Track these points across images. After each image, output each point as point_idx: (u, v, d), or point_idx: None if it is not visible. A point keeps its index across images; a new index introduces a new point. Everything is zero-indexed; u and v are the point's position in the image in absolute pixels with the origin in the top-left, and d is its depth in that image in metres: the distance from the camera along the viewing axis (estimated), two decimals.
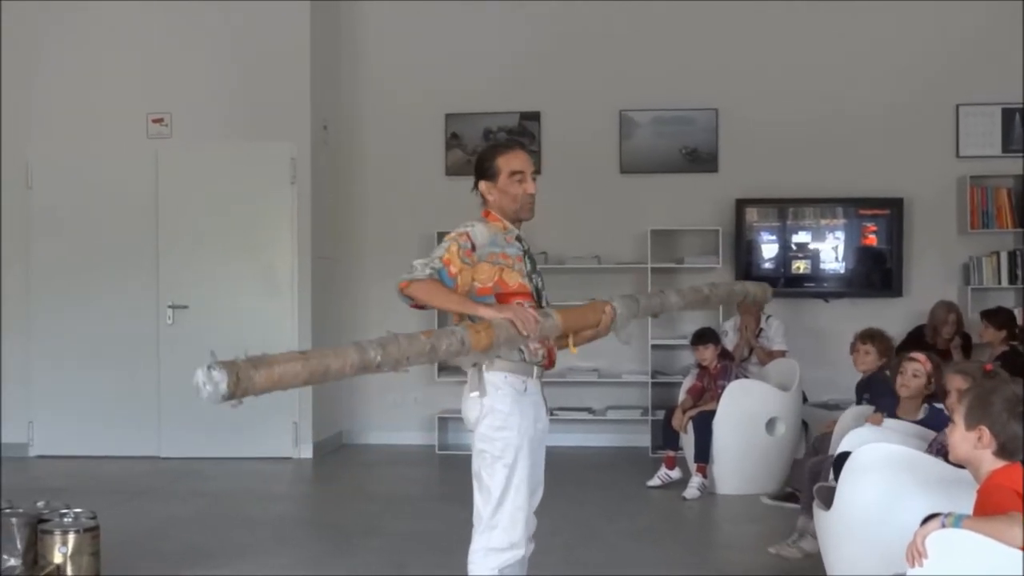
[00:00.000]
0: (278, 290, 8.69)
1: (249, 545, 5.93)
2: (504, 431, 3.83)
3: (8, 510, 4.76)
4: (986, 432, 3.10)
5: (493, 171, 4.00)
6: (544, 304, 3.95)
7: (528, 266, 3.96)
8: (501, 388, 3.84)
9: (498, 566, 3.91)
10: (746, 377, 7.56)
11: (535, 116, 9.25)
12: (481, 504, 3.94)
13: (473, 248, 3.81)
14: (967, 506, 3.07)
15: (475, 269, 3.83)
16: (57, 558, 4.74)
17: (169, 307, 8.66)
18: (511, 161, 3.98)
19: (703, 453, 7.21)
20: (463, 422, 4.02)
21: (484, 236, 3.86)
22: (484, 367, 3.82)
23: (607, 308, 3.92)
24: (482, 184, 4.03)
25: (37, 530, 4.77)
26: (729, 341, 8.04)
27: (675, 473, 7.45)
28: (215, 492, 7.41)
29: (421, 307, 3.92)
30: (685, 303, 4.31)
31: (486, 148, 4.18)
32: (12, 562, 4.66)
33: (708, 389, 7.49)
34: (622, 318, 3.96)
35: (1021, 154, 8.88)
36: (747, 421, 7.00)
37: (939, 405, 5.01)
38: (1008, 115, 8.93)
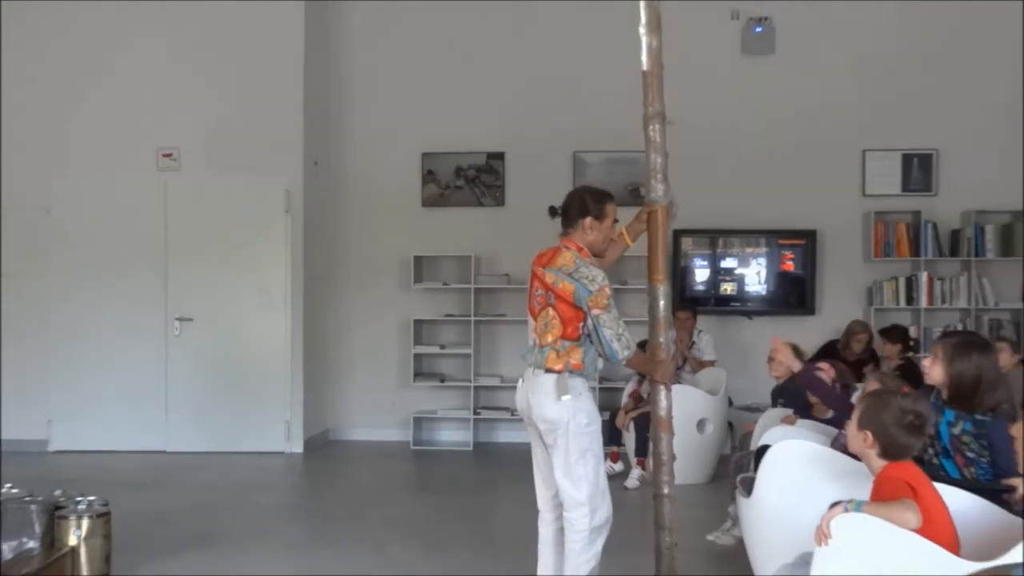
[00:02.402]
0: (273, 305, 8.68)
1: (245, 530, 5.94)
2: (591, 426, 4.05)
3: (27, 498, 4.74)
4: (870, 436, 3.20)
5: (603, 214, 4.21)
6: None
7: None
8: (584, 393, 4.06)
9: (601, 543, 4.09)
10: (680, 383, 7.64)
11: (500, 156, 9.28)
12: (577, 490, 4.05)
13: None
14: (865, 494, 3.14)
15: None
16: (72, 541, 4.74)
17: (176, 319, 8.64)
18: (614, 211, 4.25)
19: (642, 449, 7.26)
20: (531, 420, 4.19)
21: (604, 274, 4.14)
22: (567, 375, 4.02)
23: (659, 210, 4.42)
24: (589, 220, 4.19)
25: (54, 516, 4.75)
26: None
27: (618, 466, 7.55)
28: (215, 483, 7.39)
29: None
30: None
31: (599, 192, 4.35)
32: (31, 544, 4.62)
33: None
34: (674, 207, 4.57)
35: (917, 193, 9.01)
36: (681, 421, 6.93)
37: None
38: (907, 159, 9.03)
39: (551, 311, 4.11)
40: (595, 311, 4.01)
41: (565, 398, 4.01)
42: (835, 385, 5.47)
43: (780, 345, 5.11)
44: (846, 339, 8.14)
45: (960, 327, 8.64)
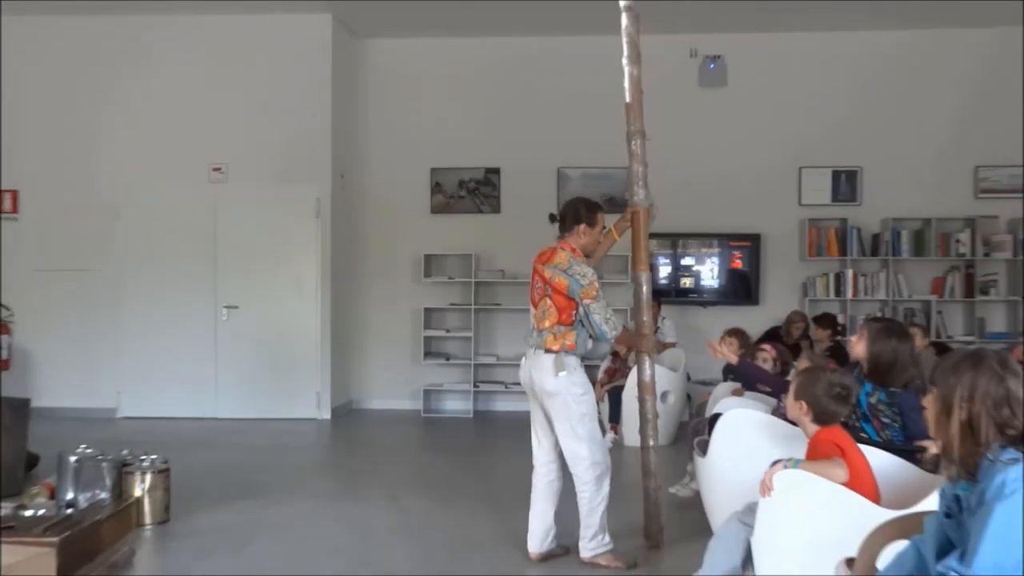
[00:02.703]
0: (305, 295, 8.67)
1: (281, 483, 5.96)
2: (585, 395, 4.15)
3: (100, 457, 4.78)
4: (805, 405, 3.23)
5: (594, 222, 4.30)
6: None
7: None
8: (577, 368, 4.14)
9: (607, 485, 4.18)
10: None
11: (496, 171, 9.27)
12: (579, 447, 4.14)
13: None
14: (801, 454, 3.17)
15: None
16: (137, 492, 4.80)
17: (224, 307, 8.63)
18: (603, 220, 4.35)
19: (615, 416, 7.31)
20: (533, 392, 4.28)
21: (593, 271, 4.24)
22: (563, 355, 4.11)
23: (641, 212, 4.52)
24: (583, 226, 4.27)
25: (122, 472, 4.81)
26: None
27: None
28: (256, 444, 7.40)
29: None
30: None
31: (591, 203, 4.40)
32: (103, 495, 4.66)
33: (619, 370, 7.60)
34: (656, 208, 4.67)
35: (844, 204, 9.03)
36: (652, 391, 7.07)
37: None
38: (836, 175, 9.05)
39: (548, 301, 4.18)
40: (586, 301, 4.11)
41: (562, 374, 4.10)
42: (776, 363, 5.50)
43: (717, 346, 5.35)
44: (786, 326, 8.20)
45: (880, 314, 8.68)
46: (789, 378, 4.73)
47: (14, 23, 8.69)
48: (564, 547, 4.34)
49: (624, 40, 4.66)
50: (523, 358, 4.34)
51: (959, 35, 8.89)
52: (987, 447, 2.15)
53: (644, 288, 4.50)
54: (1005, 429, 2.13)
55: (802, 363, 4.60)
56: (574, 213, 4.32)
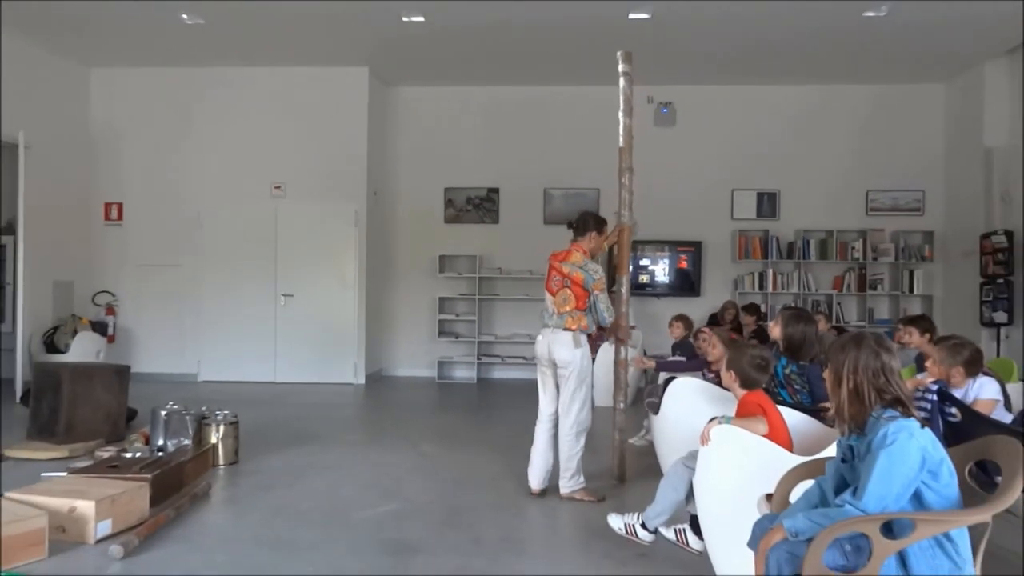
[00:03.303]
0: (347, 287, 8.62)
1: (326, 433, 5.94)
2: (590, 366, 4.19)
3: (184, 412, 4.78)
4: (733, 373, 3.22)
5: (601, 230, 4.31)
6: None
7: None
8: (586, 344, 4.18)
9: (583, 439, 4.19)
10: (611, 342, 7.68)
11: (496, 190, 9.23)
12: (574, 406, 4.16)
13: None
14: (732, 412, 3.15)
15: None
16: (213, 440, 4.80)
17: (282, 295, 8.59)
18: (607, 230, 4.38)
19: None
20: (548, 362, 4.22)
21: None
22: (578, 333, 4.16)
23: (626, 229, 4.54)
24: (593, 233, 4.27)
25: (201, 424, 4.80)
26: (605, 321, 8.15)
27: None
28: (307, 403, 7.38)
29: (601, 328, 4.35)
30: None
31: (599, 217, 4.42)
32: (186, 442, 4.67)
33: (592, 345, 7.57)
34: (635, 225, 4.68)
35: (767, 218, 9.02)
36: (612, 365, 7.04)
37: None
38: (760, 196, 9.05)
39: (568, 291, 4.18)
40: (596, 292, 4.16)
41: (577, 349, 4.14)
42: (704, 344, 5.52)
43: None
44: (721, 312, 8.20)
45: (793, 304, 8.68)
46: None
47: (132, 73, 8.71)
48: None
49: (621, 97, 4.69)
50: (539, 335, 4.28)
51: (854, 89, 8.91)
52: (871, 408, 2.16)
53: (624, 287, 4.54)
54: (883, 394, 2.16)
55: (711, 339, 4.74)
56: (586, 223, 4.33)
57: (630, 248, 4.63)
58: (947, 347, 3.54)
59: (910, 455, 2.03)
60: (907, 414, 2.12)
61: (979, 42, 7.51)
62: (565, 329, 4.15)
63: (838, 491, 2.24)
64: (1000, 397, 3.46)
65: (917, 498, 2.07)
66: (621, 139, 4.65)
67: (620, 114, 4.65)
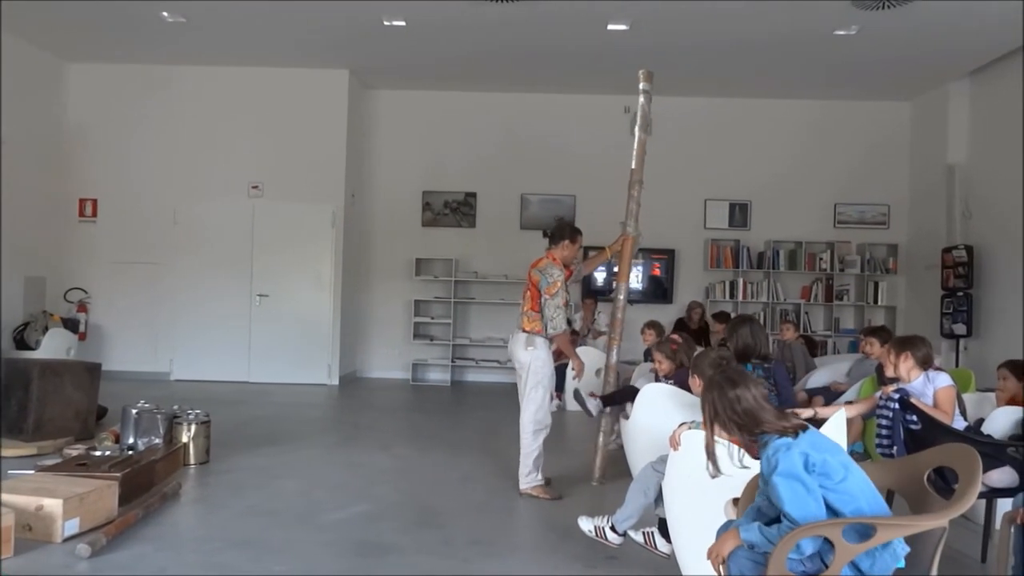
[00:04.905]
0: (323, 287, 8.55)
1: (299, 434, 5.89)
2: (544, 368, 4.21)
3: (155, 410, 4.71)
4: (697, 379, 3.26)
5: (575, 240, 4.39)
6: (571, 302, 4.39)
7: (566, 285, 4.32)
8: (542, 346, 4.21)
9: (542, 438, 4.24)
10: (585, 345, 7.70)
11: (473, 194, 9.22)
12: (529, 406, 4.22)
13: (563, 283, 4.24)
14: (700, 418, 3.18)
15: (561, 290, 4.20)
16: (184, 439, 4.73)
17: (257, 295, 8.50)
18: (581, 240, 4.45)
19: (559, 386, 7.29)
20: (514, 363, 4.31)
21: (562, 275, 4.26)
22: (533, 335, 4.20)
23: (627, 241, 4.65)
24: (566, 242, 4.34)
25: (172, 422, 4.74)
26: (577, 324, 8.18)
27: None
28: (280, 403, 7.31)
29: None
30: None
31: (574, 227, 4.49)
32: (157, 441, 4.61)
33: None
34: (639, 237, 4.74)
35: (738, 228, 9.11)
36: (586, 369, 6.97)
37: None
38: (732, 206, 9.15)
39: (527, 293, 4.31)
40: (545, 296, 4.23)
41: (530, 348, 4.20)
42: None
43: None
44: (688, 313, 8.36)
45: (760, 313, 8.80)
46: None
47: (110, 69, 8.58)
48: (546, 478, 4.39)
49: (639, 113, 4.79)
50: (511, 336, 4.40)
51: (823, 105, 9.07)
52: (748, 436, 2.19)
53: (622, 294, 4.72)
54: (746, 425, 2.19)
55: (661, 362, 4.54)
56: (561, 232, 4.42)
57: (632, 258, 4.76)
58: (902, 336, 3.67)
59: (797, 467, 2.05)
60: (781, 431, 2.14)
61: (943, 64, 7.69)
62: (521, 330, 4.26)
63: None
64: (955, 384, 3.53)
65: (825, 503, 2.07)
66: (635, 153, 4.74)
67: (636, 129, 4.80)
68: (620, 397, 4.61)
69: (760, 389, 2.23)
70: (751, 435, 2.18)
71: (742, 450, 2.21)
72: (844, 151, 9.09)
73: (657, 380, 4.54)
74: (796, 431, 2.14)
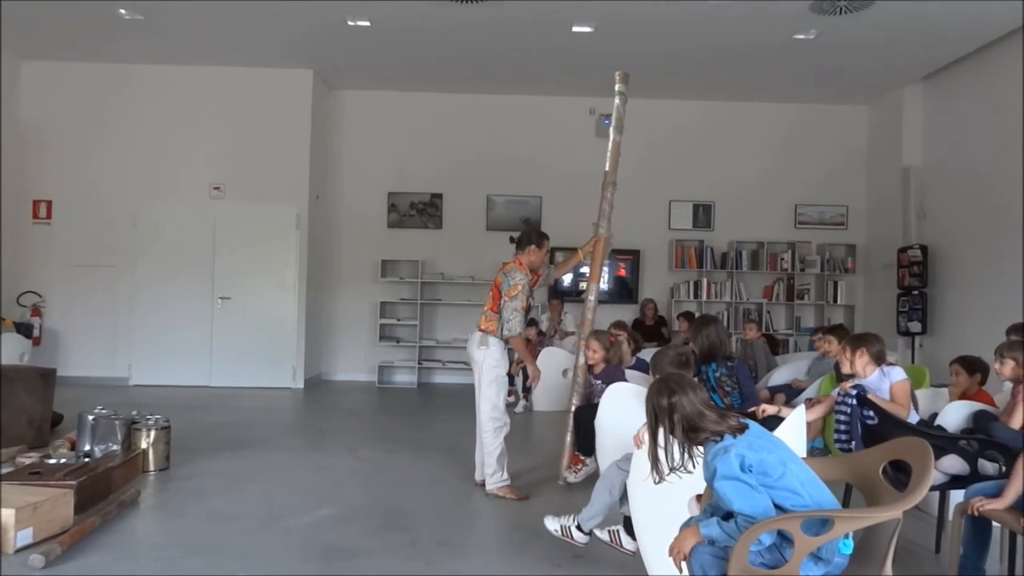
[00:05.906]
0: (287, 289, 8.44)
1: (262, 438, 5.81)
2: (497, 368, 4.23)
3: (113, 416, 4.60)
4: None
5: (541, 245, 4.41)
6: (534, 305, 4.45)
7: (530, 290, 4.36)
8: (495, 346, 4.24)
9: (502, 435, 4.27)
10: (551, 345, 7.73)
11: (440, 195, 9.20)
12: (484, 404, 4.27)
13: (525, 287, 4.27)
14: None
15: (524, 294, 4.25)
16: (143, 445, 4.65)
17: (219, 298, 8.36)
18: (547, 245, 4.48)
19: (528, 388, 7.34)
20: (471, 361, 4.36)
21: (526, 279, 4.30)
22: (487, 334, 4.25)
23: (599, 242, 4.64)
24: (532, 247, 4.37)
25: (131, 428, 4.65)
26: (543, 325, 8.22)
27: (511, 399, 7.56)
28: (243, 407, 7.20)
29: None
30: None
31: (540, 232, 4.52)
32: (115, 447, 4.51)
33: (532, 352, 7.61)
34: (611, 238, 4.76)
35: (702, 229, 9.22)
36: (552, 369, 7.05)
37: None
38: (696, 207, 9.26)
39: (489, 293, 4.36)
40: (504, 298, 4.27)
41: (483, 347, 4.25)
42: (630, 342, 5.58)
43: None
44: (641, 311, 8.49)
45: (724, 313, 8.91)
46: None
47: (66, 67, 8.37)
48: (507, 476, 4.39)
49: (614, 115, 4.81)
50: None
51: (784, 108, 9.23)
52: (694, 439, 2.21)
53: (592, 295, 4.70)
54: (686, 431, 2.21)
55: (595, 350, 4.69)
56: (527, 237, 4.47)
57: (604, 259, 4.76)
58: (857, 334, 3.77)
59: (734, 469, 2.10)
60: (723, 432, 2.17)
61: (899, 68, 7.89)
62: (478, 328, 4.32)
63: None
64: (908, 378, 3.62)
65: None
66: (609, 155, 4.77)
67: (611, 131, 4.82)
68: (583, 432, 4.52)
69: (701, 394, 2.25)
70: (693, 441, 2.20)
71: (687, 454, 2.22)
72: (805, 153, 9.28)
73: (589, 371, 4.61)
74: (736, 431, 2.18)
